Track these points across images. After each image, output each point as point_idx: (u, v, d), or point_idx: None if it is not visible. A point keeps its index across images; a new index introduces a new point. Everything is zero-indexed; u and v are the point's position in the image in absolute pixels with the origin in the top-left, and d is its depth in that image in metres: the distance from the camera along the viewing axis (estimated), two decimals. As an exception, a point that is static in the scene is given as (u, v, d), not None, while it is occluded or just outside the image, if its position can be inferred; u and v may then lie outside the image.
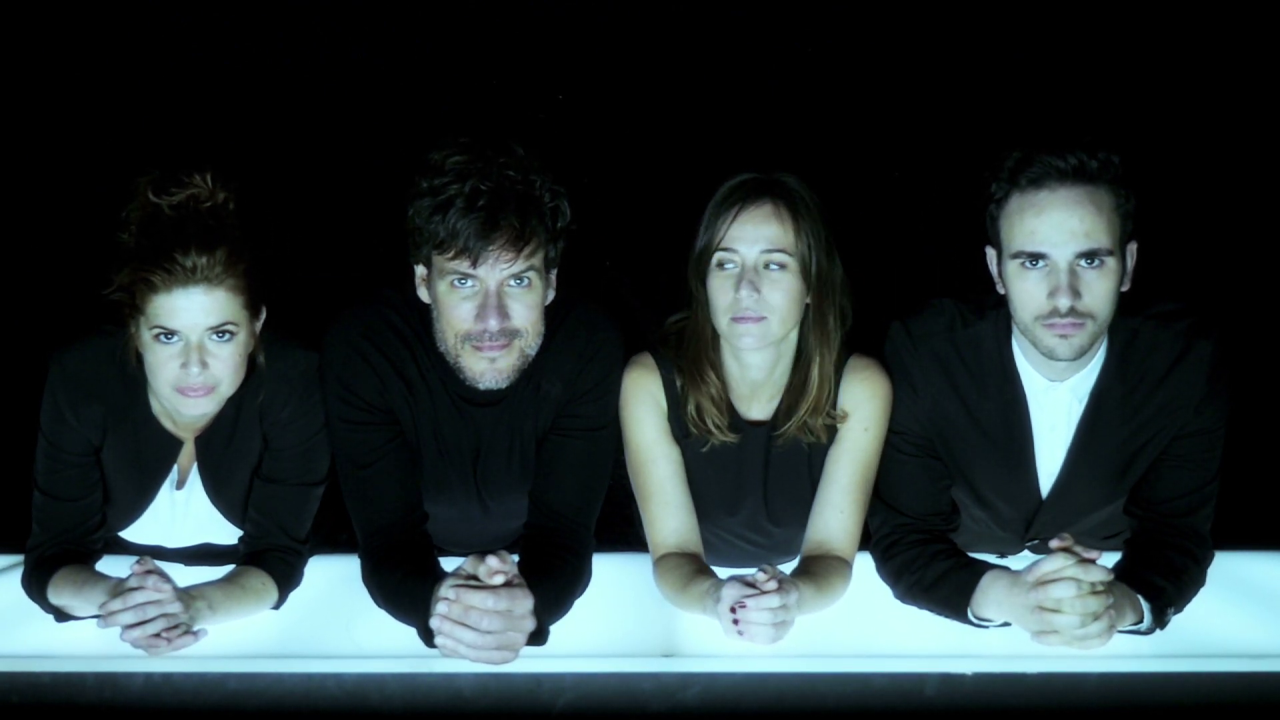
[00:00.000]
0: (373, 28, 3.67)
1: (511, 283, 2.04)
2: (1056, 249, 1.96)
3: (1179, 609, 2.02)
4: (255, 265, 2.04)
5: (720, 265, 2.11)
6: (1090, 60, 3.62)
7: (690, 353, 2.23)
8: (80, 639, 2.00)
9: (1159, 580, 2.00)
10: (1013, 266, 2.02)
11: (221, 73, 3.61)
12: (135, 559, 1.99)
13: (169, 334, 1.98)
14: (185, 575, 2.15)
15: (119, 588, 1.94)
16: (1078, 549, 1.89)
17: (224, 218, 2.02)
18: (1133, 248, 2.05)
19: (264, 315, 2.11)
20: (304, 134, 3.66)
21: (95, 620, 1.97)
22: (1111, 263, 1.97)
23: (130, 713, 1.84)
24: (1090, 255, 1.95)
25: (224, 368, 2.02)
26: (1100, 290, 1.97)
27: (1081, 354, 2.03)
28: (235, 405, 2.15)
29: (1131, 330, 2.12)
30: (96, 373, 2.12)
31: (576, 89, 3.70)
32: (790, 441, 2.24)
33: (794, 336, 2.21)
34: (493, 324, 2.04)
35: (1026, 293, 2.01)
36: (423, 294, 2.14)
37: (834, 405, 2.21)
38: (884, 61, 3.65)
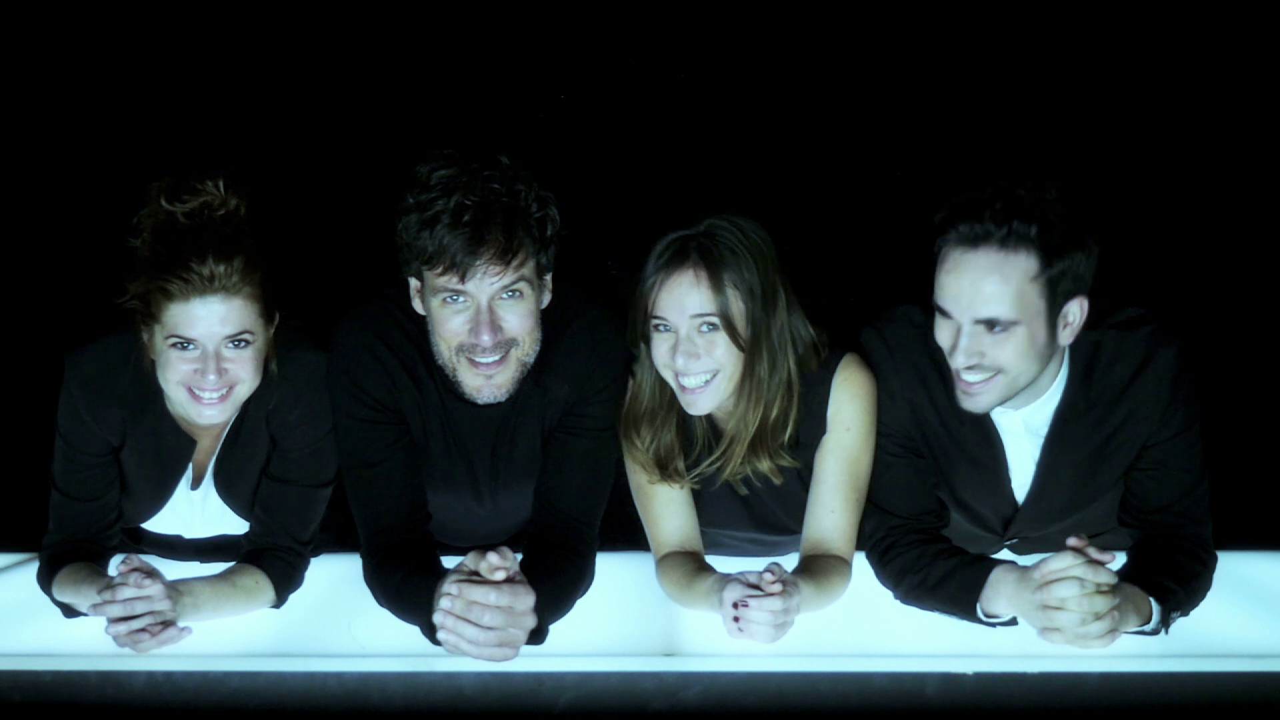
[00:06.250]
0: (376, 29, 3.68)
1: (503, 295, 2.03)
2: (958, 310, 1.97)
3: (1185, 613, 2.02)
4: (270, 273, 2.04)
5: (657, 329, 2.10)
6: (1086, 61, 3.63)
7: (644, 409, 2.18)
8: (82, 637, 2.00)
9: (1170, 583, 1.99)
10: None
11: (225, 74, 3.62)
12: (121, 557, 1.99)
13: (186, 343, 1.98)
14: (198, 571, 2.15)
15: (109, 584, 1.95)
16: (1090, 551, 1.89)
17: (239, 226, 2.01)
18: (1074, 306, 1.99)
19: (277, 321, 2.11)
20: (308, 134, 3.67)
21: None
22: (1018, 330, 1.95)
23: (132, 711, 1.84)
24: (989, 323, 1.96)
25: (240, 374, 2.03)
26: (1003, 352, 1.97)
27: (993, 406, 2.04)
28: (244, 406, 2.14)
29: (1094, 344, 2.11)
30: (113, 374, 2.12)
31: (577, 89, 3.71)
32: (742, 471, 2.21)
33: None
34: (486, 338, 2.03)
35: (940, 340, 2.03)
36: (417, 305, 2.13)
37: (787, 447, 2.18)
38: (885, 62, 3.66)
